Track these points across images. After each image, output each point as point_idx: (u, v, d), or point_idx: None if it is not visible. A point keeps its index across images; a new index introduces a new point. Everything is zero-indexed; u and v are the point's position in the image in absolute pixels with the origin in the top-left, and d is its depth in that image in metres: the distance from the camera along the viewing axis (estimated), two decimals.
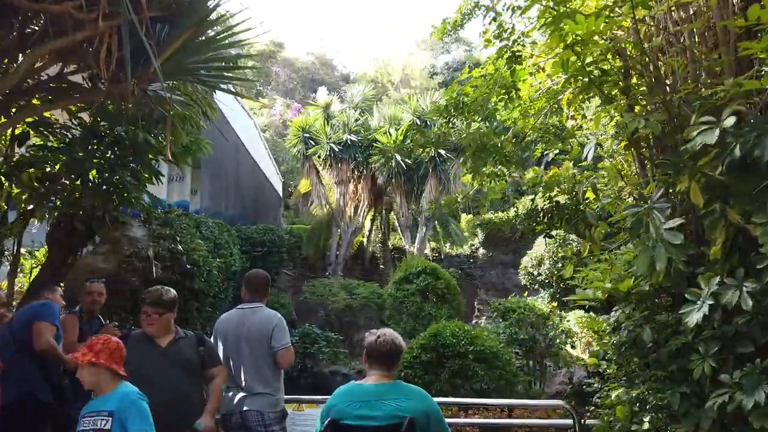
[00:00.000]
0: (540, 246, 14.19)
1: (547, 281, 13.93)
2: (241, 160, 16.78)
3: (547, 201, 4.95)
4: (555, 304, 10.69)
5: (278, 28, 73.43)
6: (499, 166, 4.91)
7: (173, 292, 3.63)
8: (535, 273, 14.10)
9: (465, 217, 25.90)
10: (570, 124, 4.85)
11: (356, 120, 17.61)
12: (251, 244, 13.75)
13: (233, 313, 3.91)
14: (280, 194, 23.11)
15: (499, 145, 4.64)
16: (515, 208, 19.56)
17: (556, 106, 4.40)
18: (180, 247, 6.16)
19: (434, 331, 9.20)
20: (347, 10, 78.94)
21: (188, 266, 6.09)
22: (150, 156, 7.10)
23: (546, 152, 6.18)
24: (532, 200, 5.53)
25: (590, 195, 4.16)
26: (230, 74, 5.85)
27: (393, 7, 78.19)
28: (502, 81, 4.20)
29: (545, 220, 5.11)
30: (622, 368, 3.82)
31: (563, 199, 4.96)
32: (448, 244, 21.70)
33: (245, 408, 3.64)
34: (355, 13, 78.79)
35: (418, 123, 16.95)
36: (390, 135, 16.62)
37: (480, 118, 4.97)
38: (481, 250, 20.32)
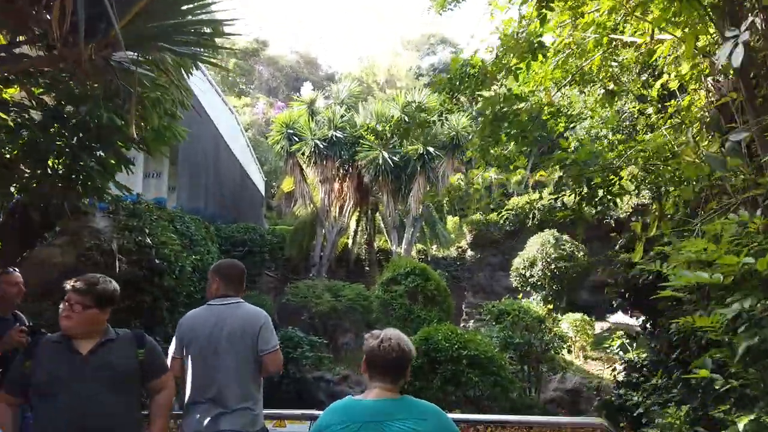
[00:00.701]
0: (533, 247, 13.76)
1: (539, 283, 13.50)
2: (222, 157, 16.11)
3: (577, 184, 4.33)
4: (551, 306, 10.20)
5: (263, 26, 72.71)
6: (510, 148, 4.33)
7: (114, 285, 2.85)
8: (527, 275, 13.66)
9: (451, 219, 25.44)
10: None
11: (342, 116, 17.03)
12: (231, 244, 13.12)
13: (204, 310, 3.24)
14: (263, 193, 22.41)
15: (517, 115, 4.05)
16: (505, 211, 19.21)
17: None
18: (149, 240, 5.54)
19: (425, 334, 8.68)
20: (333, 9, 78.45)
21: (157, 261, 5.47)
22: (119, 143, 6.49)
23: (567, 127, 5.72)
24: (560, 179, 4.97)
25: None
26: (204, 43, 5.21)
27: (378, 7, 77.88)
28: (526, 37, 3.63)
29: (577, 200, 4.54)
30: (750, 382, 2.73)
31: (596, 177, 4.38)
32: (434, 246, 21.20)
33: (222, 429, 2.99)
34: (341, 13, 78.34)
35: (407, 120, 16.40)
36: (377, 131, 16.07)
37: (490, 88, 4.41)
38: (469, 252, 19.84)
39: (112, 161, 6.35)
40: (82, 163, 5.68)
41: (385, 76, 36.43)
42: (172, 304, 5.94)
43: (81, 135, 5.76)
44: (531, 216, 17.88)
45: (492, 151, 4.47)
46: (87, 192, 6.03)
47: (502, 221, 18.50)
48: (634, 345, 7.32)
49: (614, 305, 7.50)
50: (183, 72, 7.07)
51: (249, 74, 37.90)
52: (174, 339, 3.21)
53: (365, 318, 13.88)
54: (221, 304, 3.21)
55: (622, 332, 9.13)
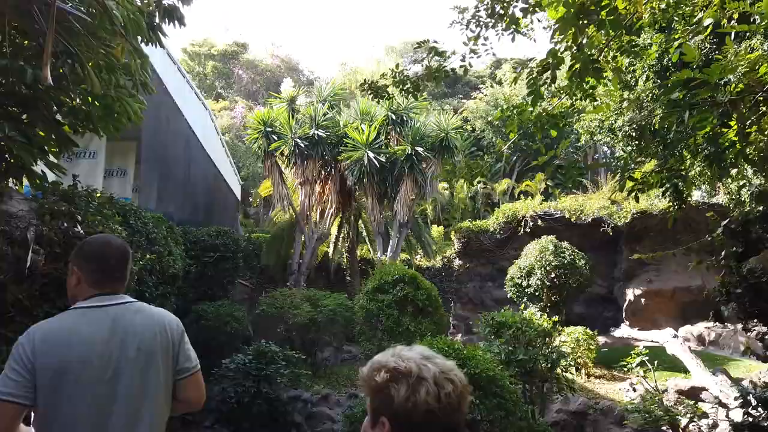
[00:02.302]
0: (530, 254, 12.73)
1: (537, 294, 12.45)
2: (194, 156, 14.89)
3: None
4: (557, 318, 9.15)
5: (243, 29, 71.53)
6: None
7: None
8: (524, 284, 12.61)
9: (436, 228, 24.42)
10: None
11: (324, 114, 15.92)
12: (201, 248, 11.85)
13: (79, 316, 2.02)
14: (238, 197, 21.13)
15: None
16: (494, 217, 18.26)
17: None
18: (80, 230, 4.34)
19: None
20: (316, 15, 77.86)
21: None
22: (62, 118, 5.34)
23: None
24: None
25: None
26: None
27: (362, 14, 77.50)
28: None
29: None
30: None
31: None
32: (418, 256, 20.12)
33: None
34: (323, 18, 77.78)
35: (394, 118, 15.40)
36: (362, 131, 15.00)
37: None
38: (457, 262, 18.79)
39: (41, 133, 5.20)
40: None
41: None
42: None
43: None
44: (523, 223, 16.94)
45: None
46: (7, 169, 4.86)
47: (492, 229, 17.52)
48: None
49: (723, 311, 6.15)
50: (139, 39, 5.94)
51: (227, 77, 36.68)
52: (9, 367, 1.91)
53: (348, 330, 12.72)
54: (111, 304, 2.05)
55: (643, 347, 8.11)
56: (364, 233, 19.60)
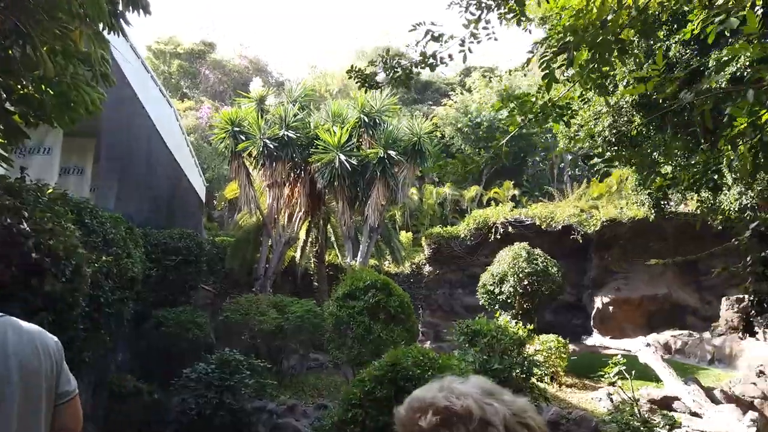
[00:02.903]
0: (503, 261, 12.57)
1: (509, 301, 12.29)
2: (157, 155, 14.24)
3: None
4: (532, 326, 8.97)
5: (210, 29, 70.33)
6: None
7: None
8: (496, 291, 12.43)
9: (404, 234, 24.19)
10: None
11: (295, 115, 15.49)
12: (162, 250, 11.26)
13: None
14: (203, 199, 20.44)
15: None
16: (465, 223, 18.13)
17: None
18: (26, 227, 3.89)
19: (392, 359, 7.22)
20: (286, 17, 77.24)
21: (36, 256, 3.83)
22: (8, 109, 4.86)
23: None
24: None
25: None
26: None
27: (333, 19, 77.24)
28: None
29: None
30: None
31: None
32: (386, 262, 19.82)
33: None
34: (295, 22, 77.21)
35: (366, 121, 15.10)
36: (334, 133, 14.65)
37: None
38: (427, 268, 18.56)
39: None
40: None
41: (338, 86, 35.15)
42: (60, 319, 4.26)
43: None
44: (494, 230, 16.85)
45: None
46: None
47: (463, 235, 17.36)
48: None
49: (753, 321, 5.88)
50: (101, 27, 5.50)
51: (194, 77, 35.79)
52: None
53: (316, 338, 12.32)
54: None
55: (621, 356, 7.97)
56: (333, 238, 19.20)
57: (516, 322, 9.39)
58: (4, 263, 3.78)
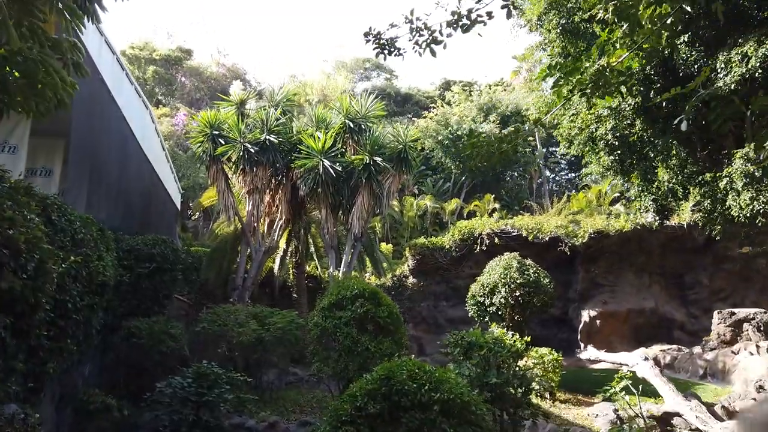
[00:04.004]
0: (494, 272, 12.16)
1: (499, 313, 11.87)
2: (131, 158, 13.54)
3: None
4: (528, 338, 8.56)
5: (187, 35, 69.41)
6: None
7: None
8: (486, 303, 12.01)
9: (385, 246, 23.74)
10: None
11: (277, 119, 14.96)
12: (135, 257, 10.56)
13: None
14: (178, 206, 19.66)
15: None
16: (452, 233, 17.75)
17: None
18: None
19: (386, 372, 6.70)
20: (266, 27, 76.84)
21: None
22: None
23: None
24: None
25: None
26: None
27: (312, 28, 77.08)
28: None
29: None
30: None
31: None
32: (367, 273, 19.31)
33: None
34: (274, 31, 76.85)
35: (351, 126, 14.65)
36: (318, 138, 14.16)
37: None
38: (411, 279, 18.08)
39: None
40: None
41: (318, 96, 34.73)
42: (20, 324, 3.67)
43: None
44: (479, 241, 16.50)
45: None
46: None
47: (448, 246, 16.97)
48: None
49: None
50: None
51: (169, 84, 34.97)
52: None
53: (297, 351, 11.72)
54: None
55: (627, 371, 7.59)
56: (313, 249, 18.62)
57: (513, 335, 8.96)
58: None
